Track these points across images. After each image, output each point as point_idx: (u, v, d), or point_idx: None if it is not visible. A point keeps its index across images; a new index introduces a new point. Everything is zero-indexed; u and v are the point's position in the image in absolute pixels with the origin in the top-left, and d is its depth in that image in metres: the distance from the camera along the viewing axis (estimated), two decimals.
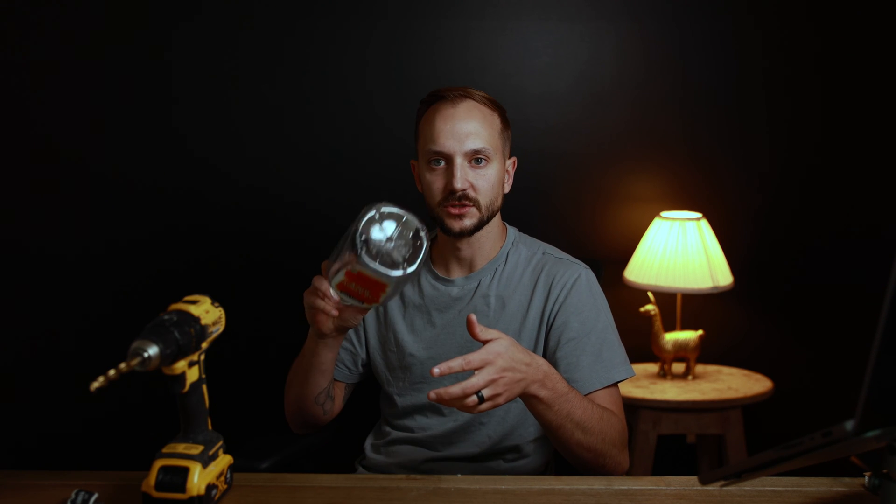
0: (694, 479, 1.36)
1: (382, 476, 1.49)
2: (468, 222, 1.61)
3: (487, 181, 1.61)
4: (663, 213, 2.66)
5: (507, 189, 1.69)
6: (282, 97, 2.70)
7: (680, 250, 2.58)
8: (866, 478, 1.17)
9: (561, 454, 1.56)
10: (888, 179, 2.74)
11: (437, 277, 1.71)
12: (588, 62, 2.74)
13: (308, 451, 1.84)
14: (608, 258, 2.74)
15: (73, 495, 1.29)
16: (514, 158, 1.72)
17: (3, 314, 2.75)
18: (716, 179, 2.78)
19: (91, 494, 1.29)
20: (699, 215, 2.65)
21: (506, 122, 1.68)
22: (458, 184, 1.58)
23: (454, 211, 1.60)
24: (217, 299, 1.30)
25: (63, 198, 2.72)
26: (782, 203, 2.79)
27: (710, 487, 1.35)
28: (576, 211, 2.77)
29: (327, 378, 1.64)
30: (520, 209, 2.74)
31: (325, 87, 2.70)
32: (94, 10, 2.66)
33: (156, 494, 1.21)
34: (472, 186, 1.60)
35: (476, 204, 1.60)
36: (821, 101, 2.75)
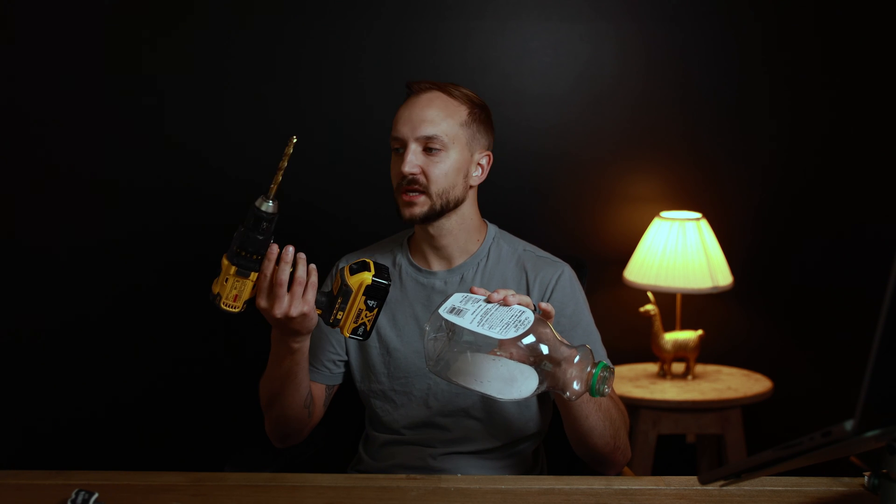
0: (694, 478, 1.36)
1: (382, 476, 1.49)
2: (417, 210, 1.62)
3: (440, 169, 1.61)
4: (663, 213, 2.66)
5: (475, 181, 1.68)
6: (279, 97, 2.69)
7: (680, 250, 2.59)
8: (866, 478, 1.18)
9: (575, 442, 1.56)
10: (889, 180, 2.74)
11: (417, 269, 1.72)
12: (588, 62, 2.73)
13: (309, 460, 1.82)
14: (608, 258, 2.74)
15: (73, 495, 1.29)
16: (488, 153, 1.70)
17: (1, 314, 2.75)
18: (716, 179, 2.78)
19: (91, 494, 1.29)
20: (699, 215, 2.65)
21: (476, 117, 1.67)
22: (406, 167, 1.60)
23: (405, 198, 1.62)
24: (214, 299, 1.30)
25: (58, 197, 2.70)
26: (782, 203, 2.79)
27: (709, 487, 1.35)
28: (576, 211, 2.77)
29: (307, 374, 1.61)
30: (520, 209, 2.75)
31: (323, 87, 2.69)
32: (89, 8, 2.65)
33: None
34: (424, 172, 1.61)
35: (426, 191, 1.61)
36: (821, 101, 2.75)
